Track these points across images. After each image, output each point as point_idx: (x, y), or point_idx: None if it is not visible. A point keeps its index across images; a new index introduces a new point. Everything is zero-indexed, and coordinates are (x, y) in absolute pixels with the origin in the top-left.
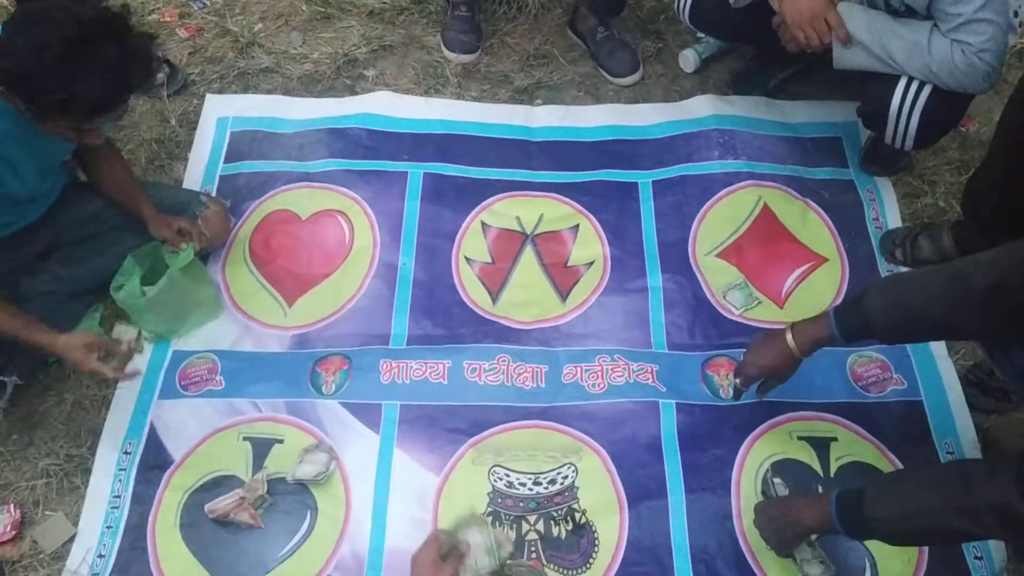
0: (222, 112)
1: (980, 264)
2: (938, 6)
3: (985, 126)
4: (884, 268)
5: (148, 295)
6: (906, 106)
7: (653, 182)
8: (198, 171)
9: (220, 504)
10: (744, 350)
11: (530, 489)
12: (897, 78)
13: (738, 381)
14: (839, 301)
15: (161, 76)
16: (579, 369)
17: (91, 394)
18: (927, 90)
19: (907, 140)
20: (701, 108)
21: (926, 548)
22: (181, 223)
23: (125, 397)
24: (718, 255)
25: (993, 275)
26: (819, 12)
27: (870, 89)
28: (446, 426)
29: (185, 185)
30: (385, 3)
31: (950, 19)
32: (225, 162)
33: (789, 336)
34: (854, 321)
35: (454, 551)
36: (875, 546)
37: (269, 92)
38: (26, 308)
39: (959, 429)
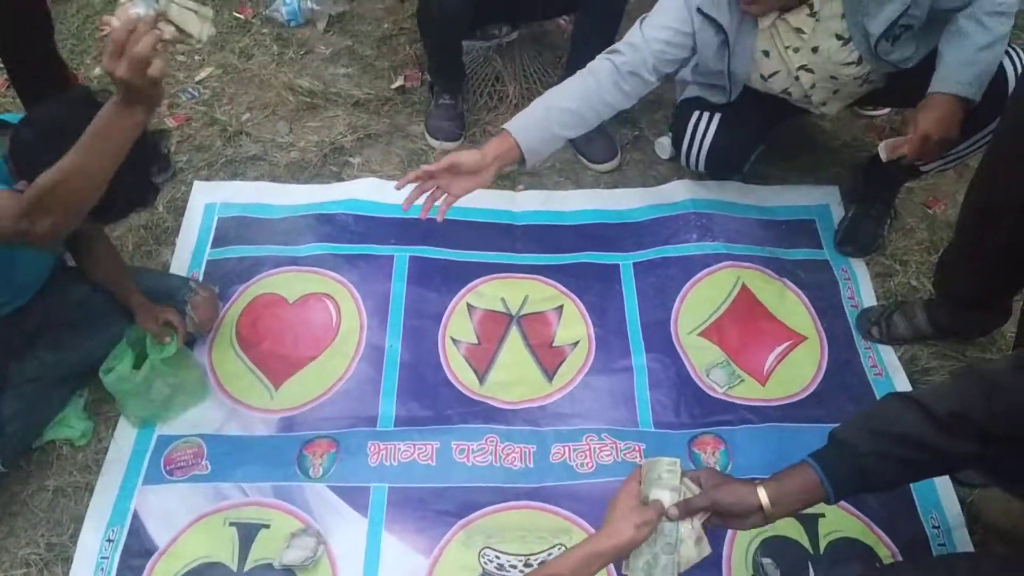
0: (210, 198)
1: (937, 394)
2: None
3: (951, 208)
4: (862, 346)
5: (136, 379)
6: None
7: (634, 264)
8: (185, 256)
9: None
10: (728, 427)
11: (521, 571)
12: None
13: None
14: (820, 378)
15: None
16: (567, 449)
17: (74, 481)
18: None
19: None
20: (678, 193)
21: None
22: (167, 315)
23: (108, 483)
24: (700, 334)
25: (951, 406)
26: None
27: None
28: (435, 508)
29: (172, 270)
30: (370, 93)
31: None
32: (212, 247)
33: (762, 493)
34: (836, 455)
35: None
36: None
37: (257, 179)
38: (12, 394)
39: (943, 503)
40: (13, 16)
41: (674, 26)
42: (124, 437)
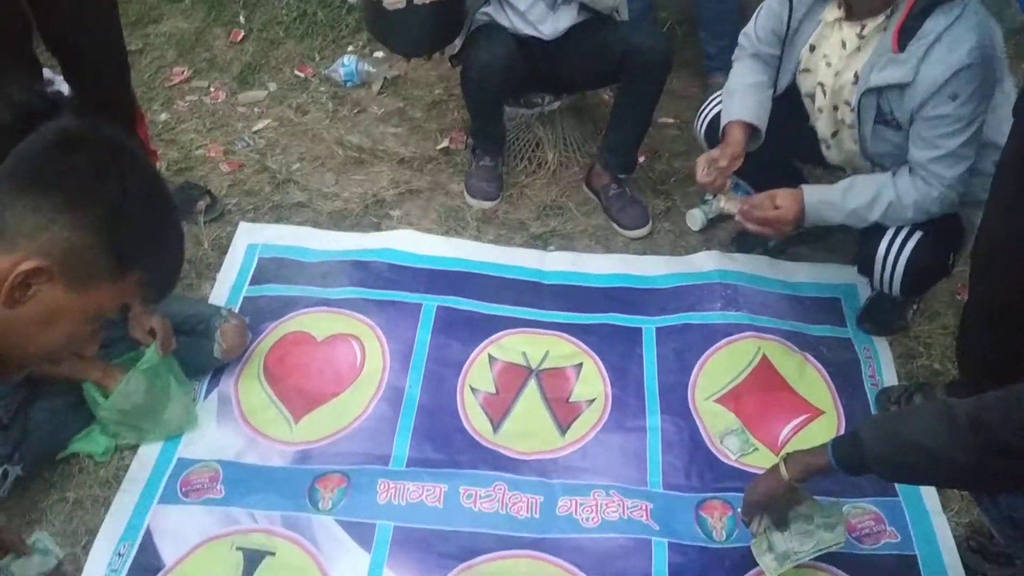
0: (253, 239)
1: (965, 401)
2: (922, 134)
3: None
4: None
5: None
6: (891, 255)
7: (657, 328)
8: (224, 291)
9: None
10: (738, 494)
11: None
12: (883, 229)
13: (742, 517)
14: None
15: (201, 204)
16: (574, 502)
17: (93, 495)
18: (913, 240)
19: (894, 286)
20: (706, 263)
21: None
22: (153, 323)
23: (126, 499)
24: (716, 400)
25: (975, 410)
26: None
27: (861, 240)
28: (438, 550)
29: (210, 302)
30: (415, 152)
31: (932, 150)
32: (251, 284)
33: (782, 465)
34: (849, 449)
35: None
36: None
37: (300, 225)
38: (42, 405)
39: None
40: (90, 54)
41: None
42: (146, 456)
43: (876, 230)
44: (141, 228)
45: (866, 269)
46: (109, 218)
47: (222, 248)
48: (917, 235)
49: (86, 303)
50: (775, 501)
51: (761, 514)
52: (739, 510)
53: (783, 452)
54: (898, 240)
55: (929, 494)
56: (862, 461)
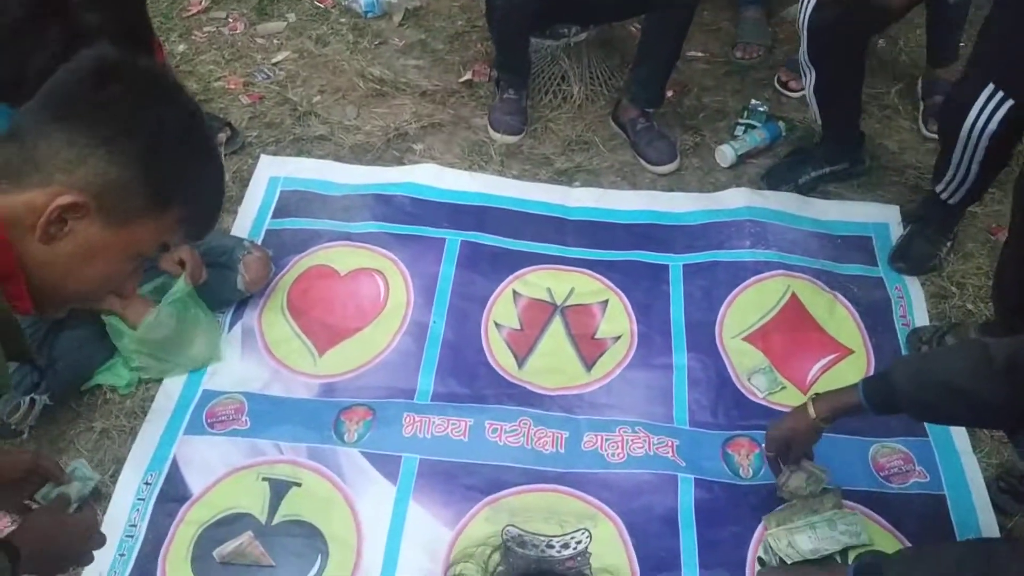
0: (275, 172)
1: (1003, 340)
2: None
3: None
4: None
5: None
6: (983, 117)
7: (684, 265)
8: (246, 224)
9: (228, 547)
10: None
11: (542, 550)
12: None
13: (766, 452)
14: None
15: (222, 136)
16: (599, 438)
17: (120, 424)
18: (1003, 109)
19: (978, 151)
20: (735, 200)
21: None
22: (182, 254)
23: (152, 430)
24: (744, 339)
25: (1012, 350)
26: None
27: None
28: (463, 483)
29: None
30: (438, 85)
31: None
32: (273, 217)
33: (810, 404)
34: (880, 389)
35: None
36: None
37: (321, 158)
38: (68, 335)
39: (982, 527)
40: None
41: None
42: (171, 388)
43: (966, 94)
44: (179, 162)
45: (949, 137)
46: (147, 152)
47: (243, 181)
48: (1008, 104)
49: (124, 240)
50: (798, 438)
51: (786, 463)
52: (763, 446)
53: (811, 392)
54: (990, 106)
55: (959, 434)
56: (893, 401)
